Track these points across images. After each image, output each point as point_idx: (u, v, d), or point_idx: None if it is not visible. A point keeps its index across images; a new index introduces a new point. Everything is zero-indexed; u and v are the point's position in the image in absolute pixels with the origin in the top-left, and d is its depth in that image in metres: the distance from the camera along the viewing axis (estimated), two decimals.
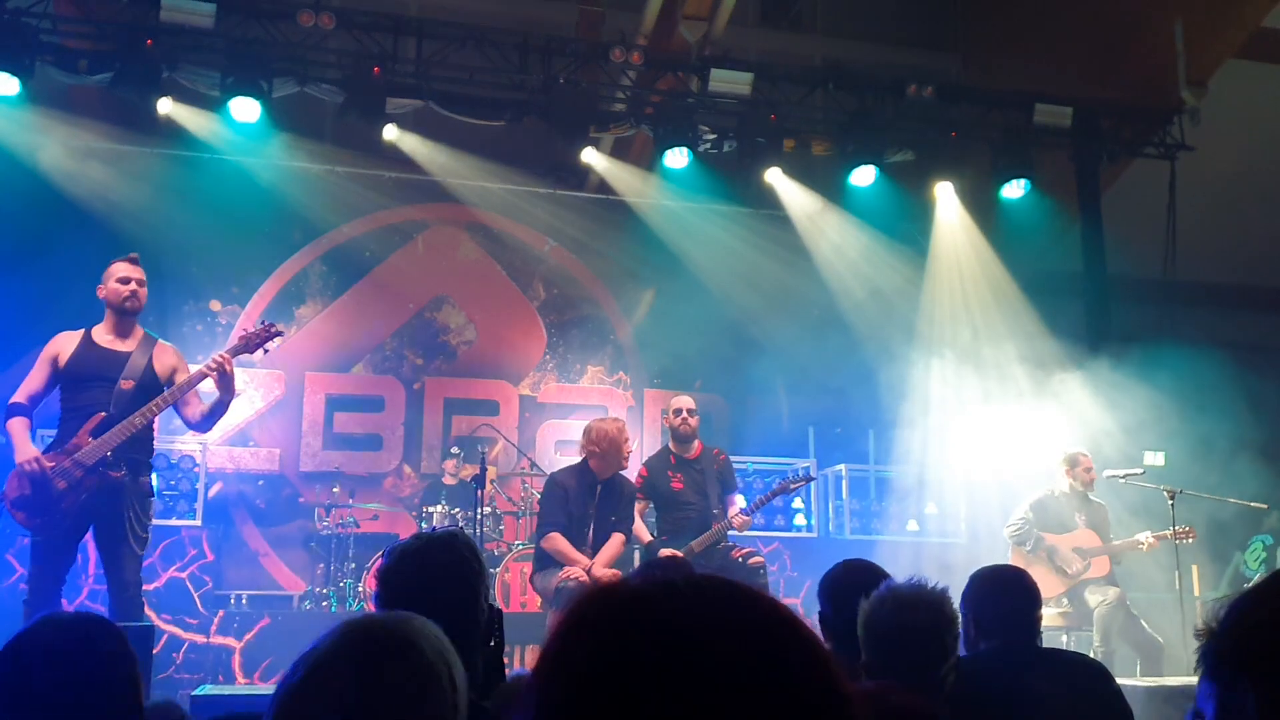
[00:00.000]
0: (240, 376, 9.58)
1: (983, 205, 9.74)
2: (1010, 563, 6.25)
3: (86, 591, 7.18)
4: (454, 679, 1.49)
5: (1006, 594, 3.26)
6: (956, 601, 2.81)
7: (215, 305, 9.86)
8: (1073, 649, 6.86)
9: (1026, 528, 7.34)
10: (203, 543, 8.11)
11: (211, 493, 9.05)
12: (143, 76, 7.72)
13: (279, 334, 5.88)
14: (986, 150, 9.35)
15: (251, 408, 9.79)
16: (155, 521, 8.02)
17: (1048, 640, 5.69)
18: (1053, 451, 7.75)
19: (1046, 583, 6.96)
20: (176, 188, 9.25)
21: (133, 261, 5.70)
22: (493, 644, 2.42)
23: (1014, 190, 9.23)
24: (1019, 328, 9.26)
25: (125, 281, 5.62)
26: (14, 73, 7.37)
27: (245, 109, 7.91)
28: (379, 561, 2.54)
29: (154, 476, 5.86)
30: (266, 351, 5.91)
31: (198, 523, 8.31)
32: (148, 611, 7.13)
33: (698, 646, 0.80)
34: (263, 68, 7.92)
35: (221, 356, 5.54)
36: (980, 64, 10.99)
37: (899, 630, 2.59)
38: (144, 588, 5.81)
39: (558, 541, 6.32)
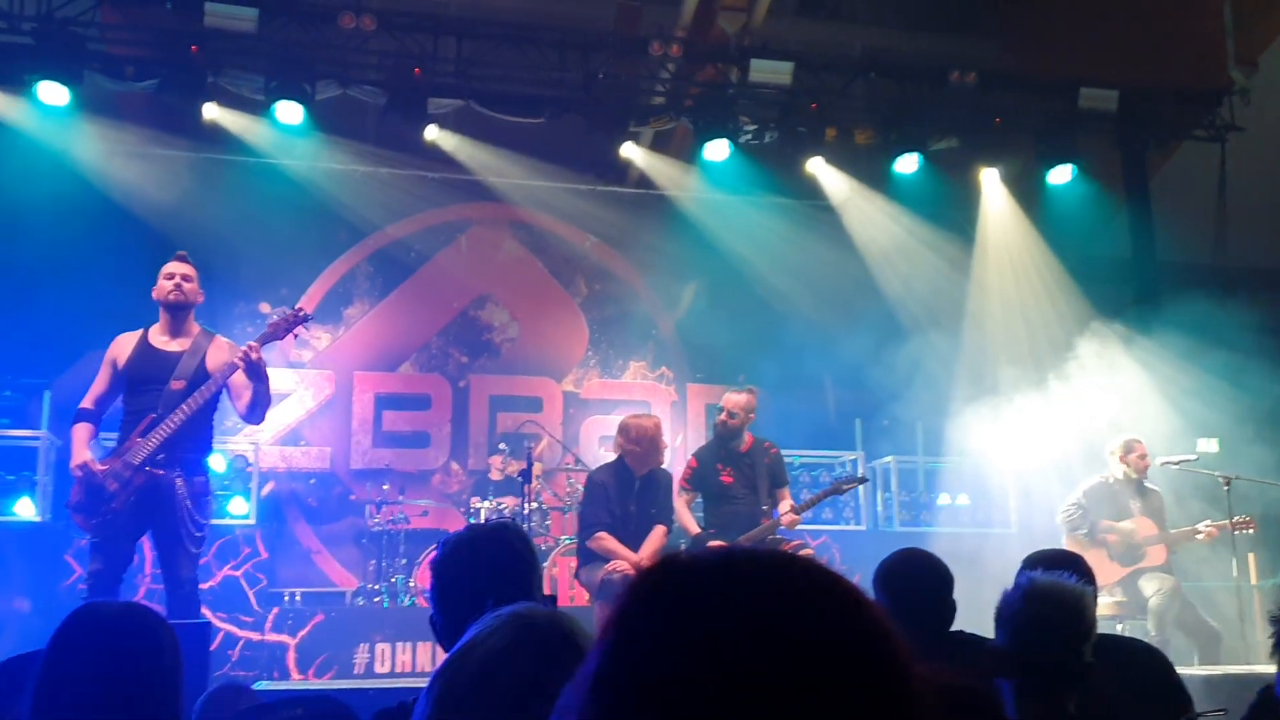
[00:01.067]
0: (291, 377, 9.83)
1: (1029, 191, 9.64)
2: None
3: (144, 589, 7.29)
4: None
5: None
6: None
7: (264, 307, 9.96)
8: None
9: (1079, 514, 7.26)
10: (256, 541, 8.22)
11: (264, 492, 9.16)
12: (188, 82, 7.83)
13: (307, 318, 5.88)
14: (1031, 136, 9.25)
15: (302, 407, 9.90)
16: (212, 521, 8.19)
17: (1101, 628, 5.64)
18: (1105, 439, 7.66)
19: (1102, 570, 6.87)
20: (224, 192, 9.38)
21: (180, 258, 5.76)
22: None
23: (1060, 176, 9.13)
24: (1068, 314, 9.16)
25: (169, 277, 5.68)
26: (64, 81, 7.50)
27: (289, 112, 7.99)
28: (431, 555, 2.55)
29: (219, 464, 5.91)
30: (297, 336, 5.93)
31: (251, 521, 8.42)
32: (204, 609, 7.24)
33: (753, 612, 0.80)
34: (305, 71, 8.00)
35: (249, 345, 5.57)
36: (1023, 49, 10.85)
37: (1041, 619, 2.53)
38: (200, 586, 5.88)
39: (606, 541, 6.34)
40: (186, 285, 5.70)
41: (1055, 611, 2.53)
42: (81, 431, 5.57)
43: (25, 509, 7.81)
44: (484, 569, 2.21)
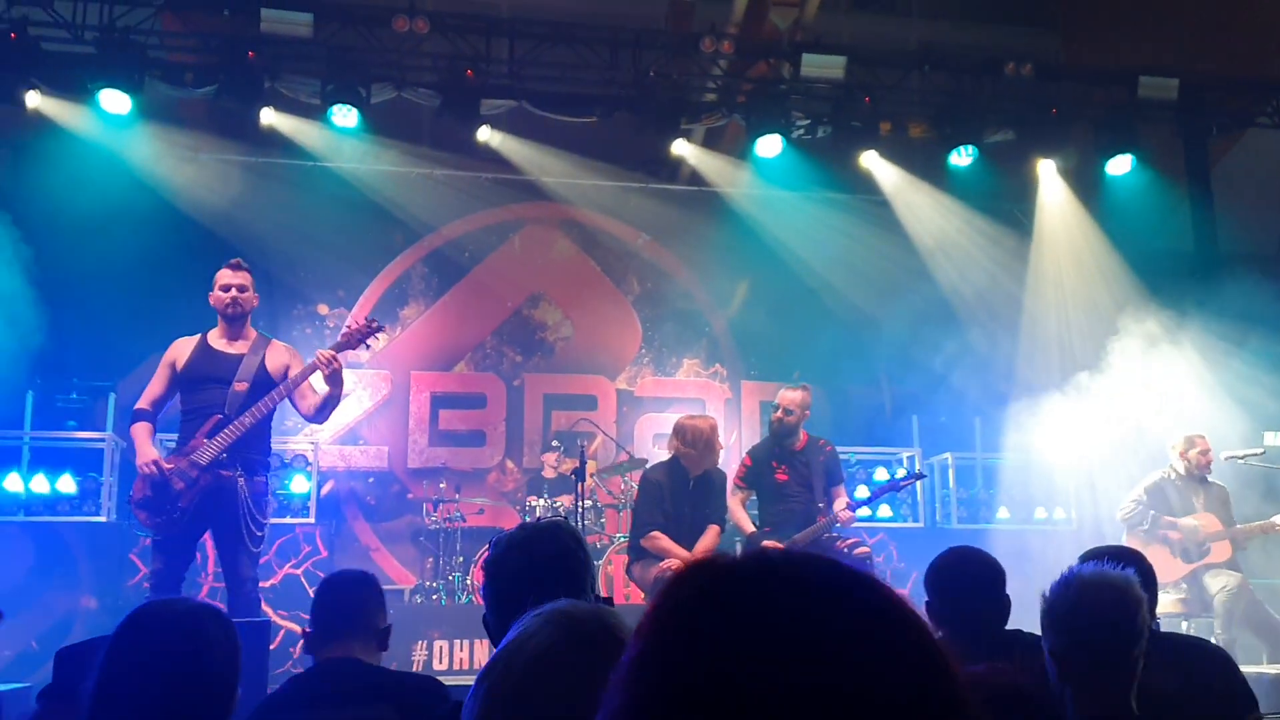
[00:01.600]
0: (349, 377, 9.87)
1: (1087, 183, 9.49)
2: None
3: (206, 588, 7.42)
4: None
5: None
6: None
7: (323, 309, 10.11)
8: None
9: (1140, 510, 7.15)
10: (316, 539, 8.33)
11: (324, 491, 9.28)
12: (245, 87, 7.94)
13: (380, 329, 6.01)
14: (1089, 127, 9.11)
15: (360, 407, 10.02)
16: (272, 520, 8.31)
17: (1164, 627, 5.54)
18: (1167, 434, 7.53)
19: (1163, 568, 6.76)
20: (282, 195, 9.52)
21: (234, 267, 5.85)
22: None
23: (1119, 166, 8.98)
24: (1128, 307, 9.00)
25: (226, 289, 5.78)
26: (125, 89, 7.65)
27: (345, 116, 8.09)
28: (486, 554, 2.58)
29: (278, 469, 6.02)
30: (369, 348, 6.03)
31: (311, 520, 8.53)
32: (264, 607, 7.35)
33: (789, 615, 0.79)
34: (360, 74, 8.08)
35: (328, 353, 5.68)
36: (1080, 39, 10.71)
37: (1092, 614, 2.45)
38: (261, 584, 5.98)
39: (660, 540, 6.35)
40: (242, 295, 5.80)
41: (1100, 599, 2.46)
42: (143, 430, 5.68)
43: (14, 484, 7.95)
44: (536, 568, 2.22)
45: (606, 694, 0.84)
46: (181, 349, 5.82)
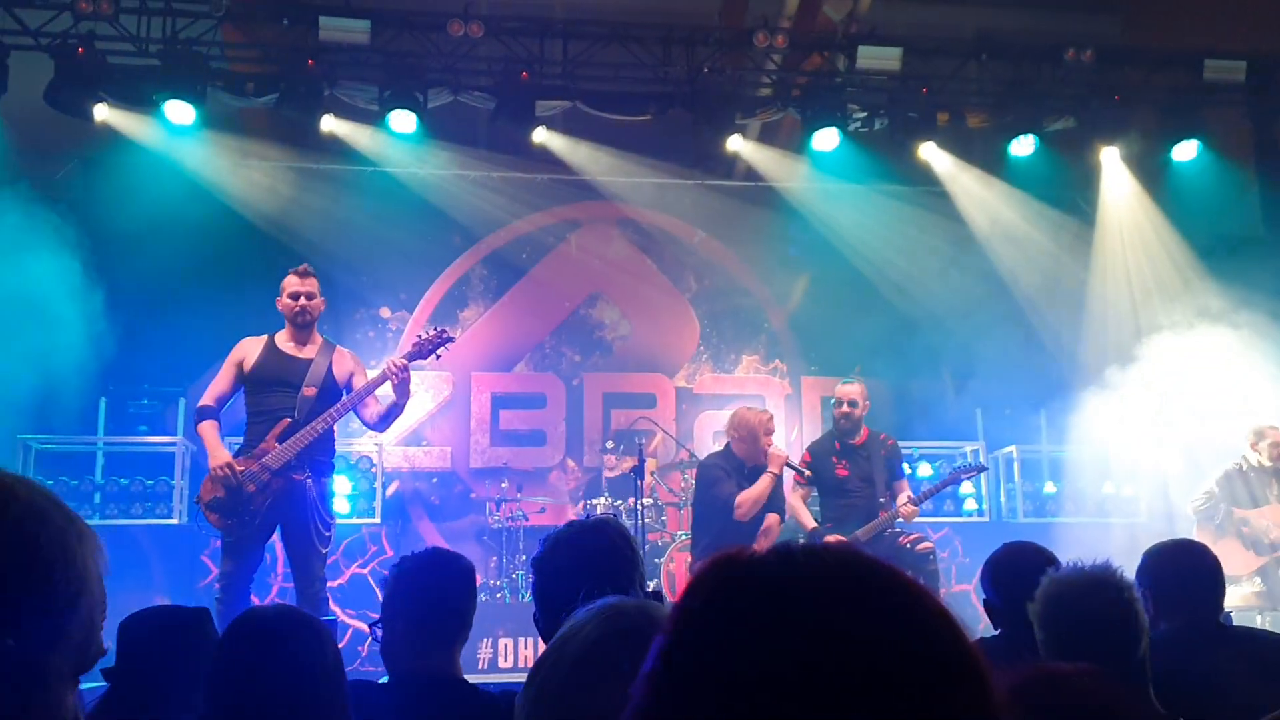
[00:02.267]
0: (412, 379, 10.02)
1: (1152, 170, 9.31)
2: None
3: (276, 589, 7.55)
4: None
5: (1189, 570, 3.08)
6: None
7: (385, 312, 10.23)
8: (1267, 630, 6.51)
9: (1212, 503, 7.00)
10: (382, 539, 8.43)
11: (389, 491, 9.39)
12: (306, 95, 8.06)
13: (450, 339, 6.06)
14: (1153, 112, 8.93)
15: (423, 409, 10.12)
16: (336, 521, 8.43)
17: (1238, 621, 5.42)
18: (1239, 424, 7.37)
19: (1238, 560, 6.63)
20: (342, 200, 9.67)
21: (302, 274, 5.93)
22: None
23: (1185, 152, 8.80)
24: (1197, 296, 8.82)
25: (295, 298, 5.88)
26: (189, 100, 7.81)
27: (402, 121, 8.18)
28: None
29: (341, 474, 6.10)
30: (438, 357, 6.09)
31: (377, 520, 8.65)
32: (332, 607, 7.45)
33: (806, 609, 0.80)
34: (417, 79, 8.17)
35: (399, 362, 5.74)
36: (1142, 22, 10.47)
37: (1089, 613, 2.42)
38: (328, 584, 6.07)
39: (750, 492, 6.38)
40: (310, 303, 5.90)
41: (1088, 603, 2.40)
42: (212, 430, 5.77)
43: (89, 488, 8.14)
44: (584, 565, 2.23)
45: (635, 685, 0.85)
46: (249, 349, 5.92)
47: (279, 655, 2.10)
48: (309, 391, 5.77)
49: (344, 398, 5.82)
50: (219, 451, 5.70)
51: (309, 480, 5.72)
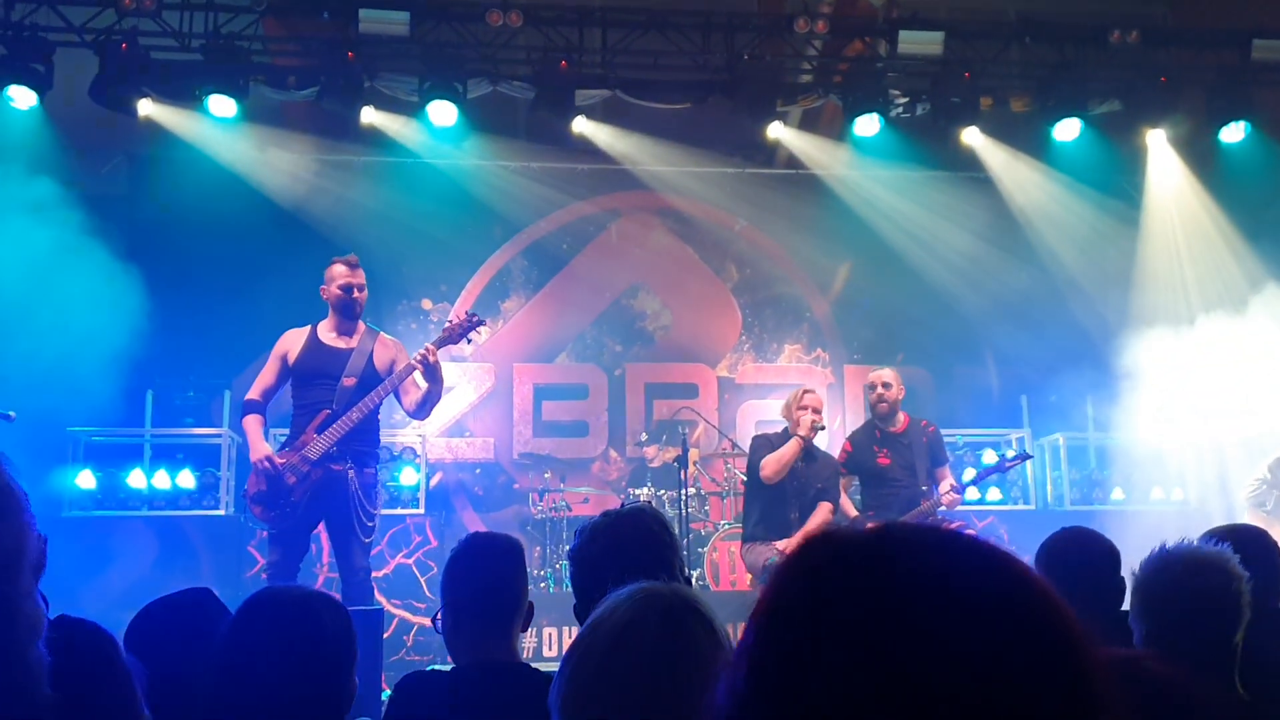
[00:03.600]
0: (454, 371, 10.09)
1: (1199, 152, 9.15)
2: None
3: (322, 578, 7.61)
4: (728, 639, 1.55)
5: (1255, 555, 3.00)
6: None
7: (426, 303, 10.27)
8: None
9: (1264, 489, 6.88)
10: (426, 530, 8.49)
11: (433, 482, 9.44)
12: (346, 88, 8.09)
13: (481, 323, 6.06)
14: (1200, 94, 8.77)
15: (465, 400, 10.16)
16: (381, 512, 8.49)
17: None
18: None
19: None
20: (383, 193, 9.71)
21: (351, 265, 5.96)
22: None
23: (1233, 134, 8.63)
24: (1247, 280, 8.66)
25: (347, 289, 5.91)
26: (231, 94, 7.86)
27: (442, 112, 8.18)
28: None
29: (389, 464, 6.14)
30: (470, 341, 6.10)
31: (421, 511, 8.69)
32: (378, 596, 7.51)
33: (911, 593, 0.76)
34: (457, 70, 8.17)
35: (426, 349, 5.76)
36: (1188, 2, 10.29)
37: (1188, 594, 2.33)
38: (374, 574, 6.11)
39: (775, 455, 6.48)
40: (360, 295, 5.93)
41: (1198, 581, 2.32)
42: (255, 424, 5.83)
43: (137, 480, 8.21)
44: (621, 553, 2.21)
45: (717, 683, 0.82)
46: (293, 342, 5.96)
47: (274, 628, 2.16)
48: (348, 382, 5.80)
49: (377, 387, 5.83)
50: (260, 445, 5.76)
51: (350, 471, 5.75)
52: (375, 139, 9.06)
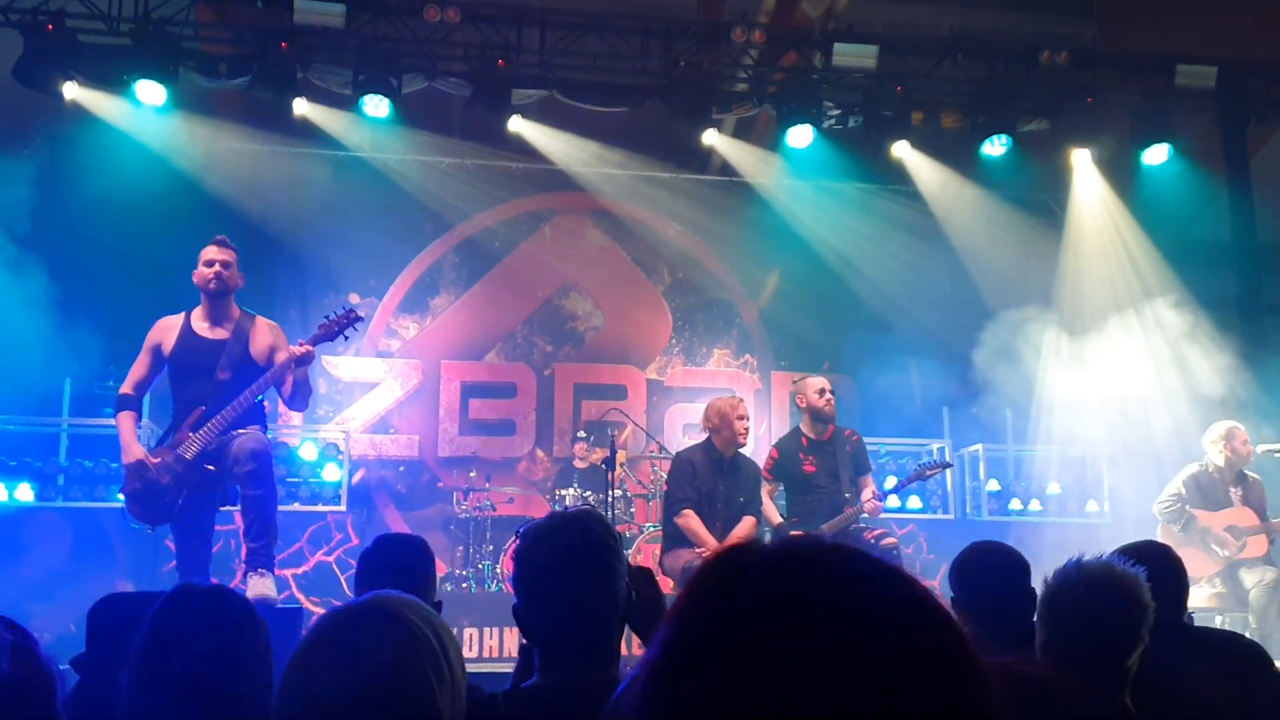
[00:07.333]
0: (379, 366, 10.01)
1: (1122, 173, 9.40)
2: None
3: (241, 573, 7.48)
4: (440, 640, 1.74)
5: (1159, 576, 3.09)
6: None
7: (354, 298, 10.15)
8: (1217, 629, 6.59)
9: (1178, 505, 7.07)
10: (347, 527, 8.40)
11: (355, 479, 9.33)
12: (279, 78, 7.99)
13: (359, 319, 5.85)
14: (1125, 116, 9.01)
15: (391, 396, 10.07)
16: (301, 508, 8.37)
17: (1199, 621, 5.49)
18: (1204, 426, 7.45)
19: (1198, 563, 6.71)
20: (314, 185, 9.60)
21: (220, 244, 5.69)
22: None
23: (1156, 156, 8.88)
24: (1163, 299, 8.91)
25: (210, 264, 5.63)
26: (160, 80, 7.72)
27: (376, 106, 8.12)
28: (515, 543, 2.57)
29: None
30: (347, 339, 5.92)
31: (342, 508, 8.60)
32: (297, 594, 7.41)
33: (816, 606, 0.79)
34: (392, 65, 8.11)
35: (300, 344, 5.59)
36: (1116, 26, 10.57)
37: (1091, 614, 2.36)
38: (293, 571, 6.01)
39: (691, 519, 6.37)
40: (226, 273, 5.63)
41: (1104, 602, 2.36)
42: (128, 422, 5.61)
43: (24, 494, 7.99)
44: (566, 557, 2.22)
45: (633, 680, 0.84)
46: (165, 333, 5.69)
47: (185, 619, 2.18)
48: (223, 375, 5.52)
49: (252, 385, 5.55)
50: (132, 446, 5.50)
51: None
52: (307, 131, 8.95)
